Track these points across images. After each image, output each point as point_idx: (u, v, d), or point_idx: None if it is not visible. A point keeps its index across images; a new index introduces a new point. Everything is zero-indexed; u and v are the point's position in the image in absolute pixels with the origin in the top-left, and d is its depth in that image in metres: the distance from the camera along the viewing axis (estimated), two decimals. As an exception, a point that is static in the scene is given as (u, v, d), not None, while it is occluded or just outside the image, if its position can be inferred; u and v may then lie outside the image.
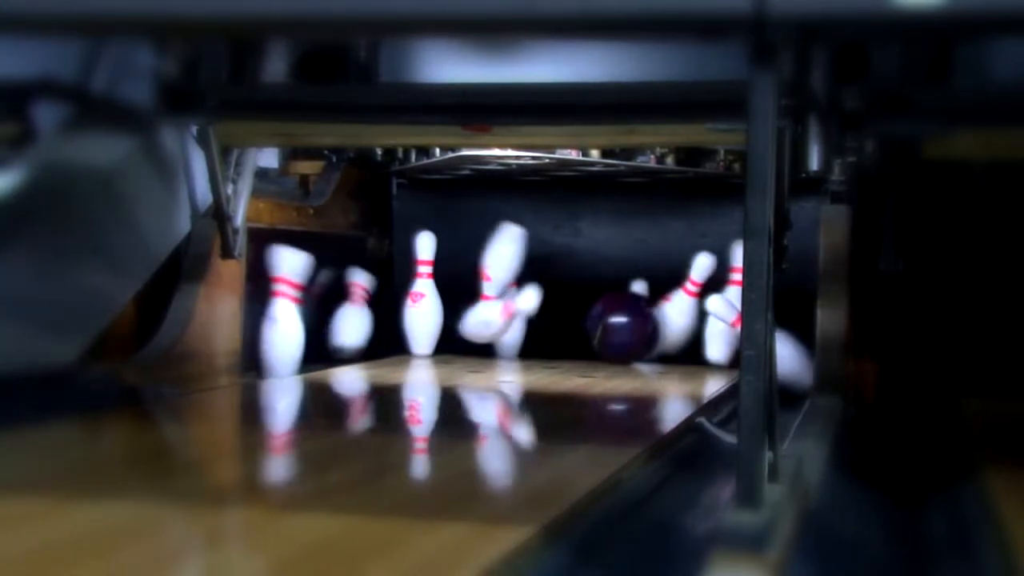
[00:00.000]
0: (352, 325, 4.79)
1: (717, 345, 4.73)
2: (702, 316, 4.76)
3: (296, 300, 4.36)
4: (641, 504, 2.61)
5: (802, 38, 2.53)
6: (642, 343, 4.88)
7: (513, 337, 5.00)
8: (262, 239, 4.24)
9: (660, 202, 5.13)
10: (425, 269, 4.94)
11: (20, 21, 2.43)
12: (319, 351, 4.55)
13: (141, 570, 1.89)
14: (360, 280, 4.88)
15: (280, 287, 4.35)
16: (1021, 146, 3.46)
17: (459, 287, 4.94)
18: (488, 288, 4.92)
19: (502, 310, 4.90)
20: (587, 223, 5.22)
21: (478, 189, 5.22)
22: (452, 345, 4.99)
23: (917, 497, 2.86)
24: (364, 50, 3.48)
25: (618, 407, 4.00)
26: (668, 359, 4.90)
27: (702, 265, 4.84)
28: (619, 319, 4.90)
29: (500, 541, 2.00)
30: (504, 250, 4.94)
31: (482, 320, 4.92)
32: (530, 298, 4.88)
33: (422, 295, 4.93)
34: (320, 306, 4.59)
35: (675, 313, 4.84)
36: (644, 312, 4.90)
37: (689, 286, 4.85)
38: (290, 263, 4.35)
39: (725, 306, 4.57)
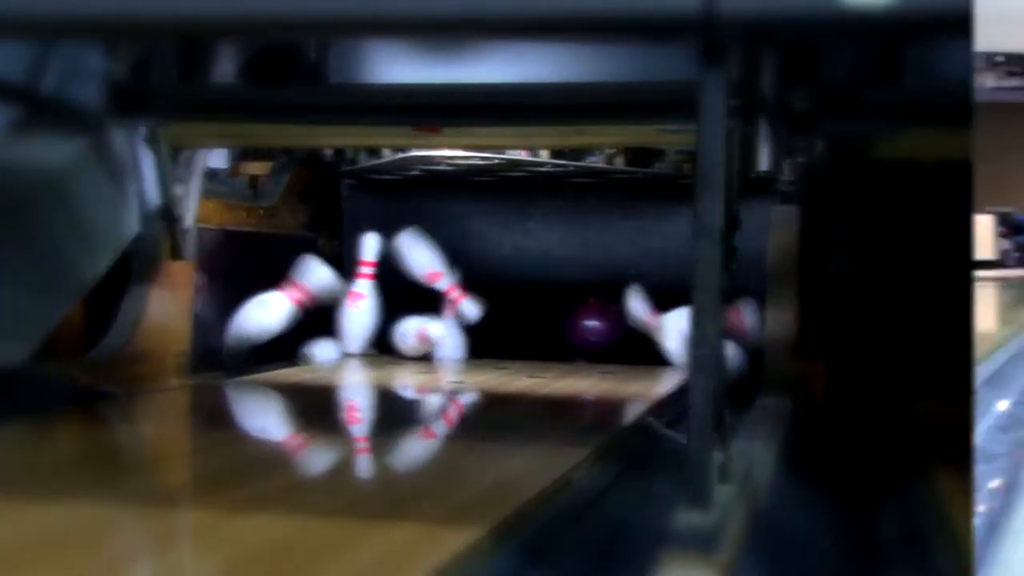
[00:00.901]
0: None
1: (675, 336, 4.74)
2: None
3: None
4: (591, 505, 2.61)
5: (751, 38, 2.54)
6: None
7: (461, 339, 5.00)
8: (211, 240, 4.23)
9: (610, 202, 5.14)
10: (367, 270, 4.93)
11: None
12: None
13: (91, 573, 1.88)
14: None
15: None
16: (969, 147, 3.47)
17: (407, 288, 4.93)
18: (444, 281, 4.95)
19: (418, 334, 4.92)
20: (537, 224, 5.22)
21: (428, 190, 5.21)
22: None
23: (867, 497, 2.87)
24: (314, 51, 3.47)
25: (567, 407, 4.00)
26: (619, 359, 4.92)
27: (635, 303, 4.86)
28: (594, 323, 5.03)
29: (450, 542, 2.00)
30: (421, 253, 4.97)
31: (400, 332, 4.94)
32: (470, 309, 4.94)
33: (361, 295, 4.93)
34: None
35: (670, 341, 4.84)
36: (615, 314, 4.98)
37: (649, 319, 4.86)
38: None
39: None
